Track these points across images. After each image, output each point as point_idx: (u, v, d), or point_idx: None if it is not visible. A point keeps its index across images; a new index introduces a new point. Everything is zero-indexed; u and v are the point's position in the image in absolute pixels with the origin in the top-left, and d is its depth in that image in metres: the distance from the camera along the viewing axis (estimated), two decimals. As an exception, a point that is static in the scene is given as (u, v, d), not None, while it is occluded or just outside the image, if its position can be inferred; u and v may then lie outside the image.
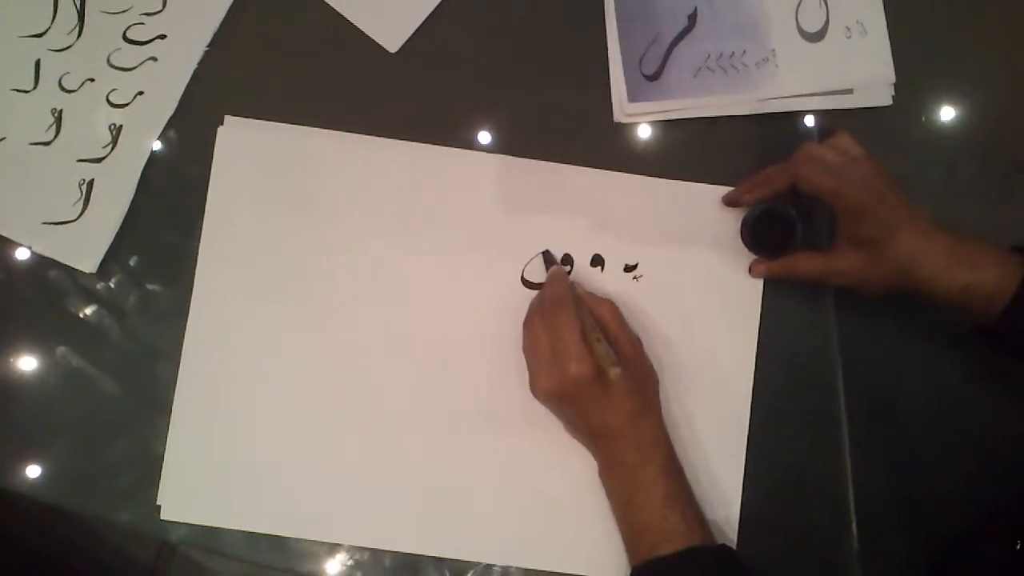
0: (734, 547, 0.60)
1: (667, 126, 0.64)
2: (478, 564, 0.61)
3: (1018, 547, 0.54)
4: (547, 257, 0.62)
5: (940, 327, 0.61)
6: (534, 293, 0.62)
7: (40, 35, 0.64)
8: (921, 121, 0.65)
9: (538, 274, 0.62)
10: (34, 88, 0.64)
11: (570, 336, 0.54)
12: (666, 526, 0.53)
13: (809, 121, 0.64)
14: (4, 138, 0.63)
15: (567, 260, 0.63)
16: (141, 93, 0.64)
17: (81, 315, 0.62)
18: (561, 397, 0.55)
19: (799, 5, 0.64)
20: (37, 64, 0.64)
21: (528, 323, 0.58)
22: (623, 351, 0.56)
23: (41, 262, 0.63)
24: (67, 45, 0.64)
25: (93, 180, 0.63)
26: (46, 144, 0.63)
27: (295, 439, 0.61)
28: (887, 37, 0.64)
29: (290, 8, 0.65)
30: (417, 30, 0.64)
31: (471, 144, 0.64)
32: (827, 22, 0.64)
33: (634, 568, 0.55)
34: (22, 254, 0.63)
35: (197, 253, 0.62)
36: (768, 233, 0.61)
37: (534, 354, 0.56)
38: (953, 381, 0.63)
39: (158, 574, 0.82)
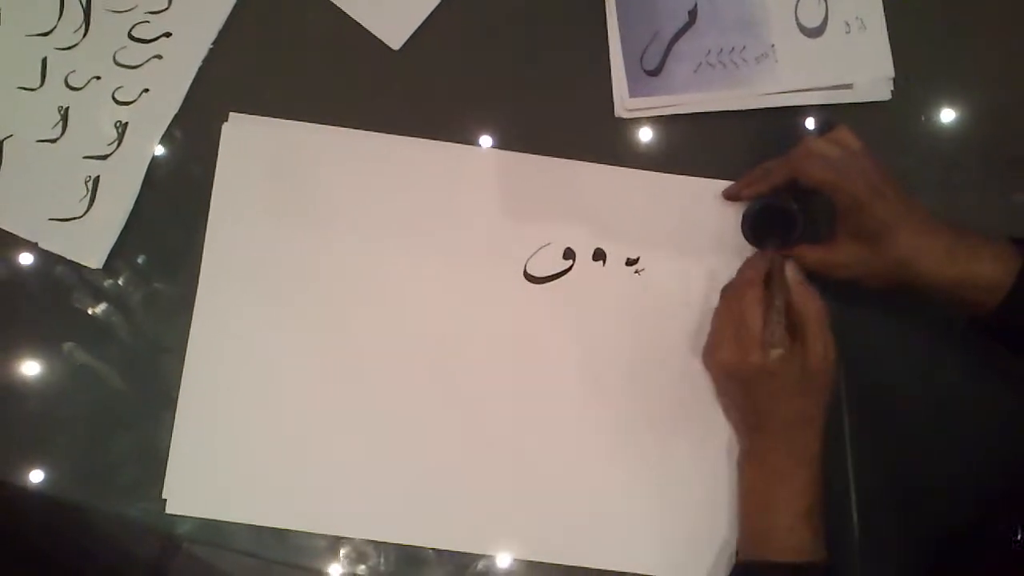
0: (735, 540, 0.60)
1: (668, 121, 0.64)
2: (482, 556, 0.61)
3: (1018, 538, 0.54)
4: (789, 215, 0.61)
5: (940, 321, 0.62)
6: (537, 287, 0.62)
7: (46, 34, 0.65)
8: (920, 116, 0.65)
9: (542, 268, 0.63)
10: (40, 86, 0.64)
11: (754, 321, 0.54)
12: (792, 538, 0.53)
13: (809, 116, 0.65)
14: (11, 135, 0.64)
15: (569, 254, 0.63)
16: (146, 90, 0.64)
17: (87, 311, 0.63)
18: (732, 376, 0.56)
19: (798, 1, 0.65)
20: (43, 62, 0.64)
21: (723, 293, 0.60)
22: (813, 349, 0.54)
23: (47, 258, 0.63)
24: (73, 43, 0.65)
25: (99, 177, 0.64)
26: (52, 141, 0.64)
27: (299, 433, 0.61)
28: (886, 32, 0.65)
29: (294, 6, 0.66)
30: (420, 27, 0.65)
31: (473, 140, 0.64)
32: (826, 17, 0.65)
33: (747, 563, 0.55)
34: (28, 250, 0.63)
35: (202, 249, 0.63)
36: (769, 227, 0.61)
37: (720, 325, 0.57)
38: (953, 375, 0.63)
39: (163, 570, 0.82)
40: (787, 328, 0.55)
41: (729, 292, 0.59)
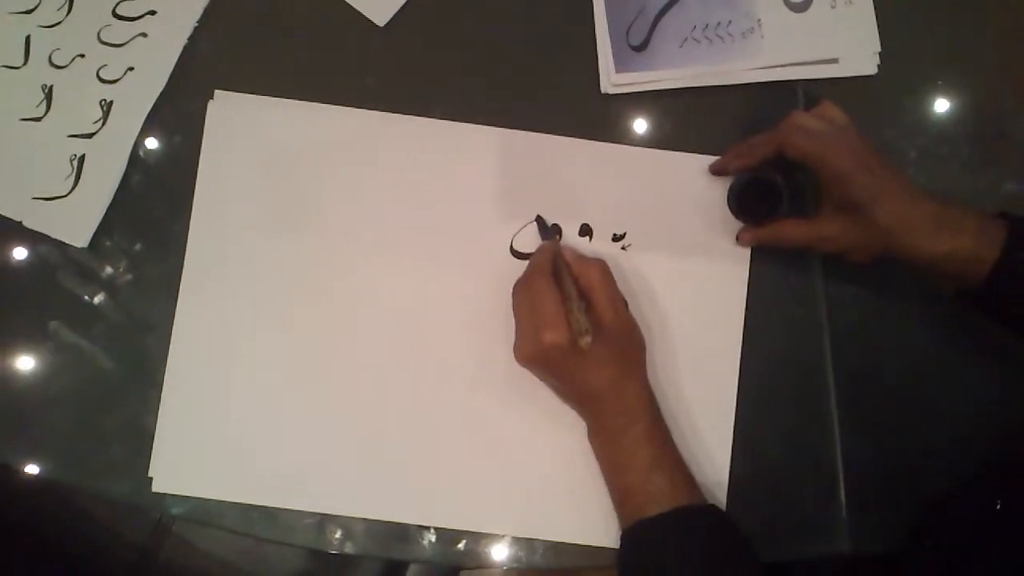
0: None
1: (654, 96, 0.64)
2: (470, 533, 0.61)
3: (998, 507, 0.55)
4: (539, 223, 0.63)
5: (926, 294, 0.62)
6: (523, 263, 0.62)
7: (30, 11, 0.64)
8: (906, 90, 0.65)
9: (528, 243, 0.63)
10: (24, 64, 0.64)
11: (547, 305, 0.55)
12: (651, 488, 0.54)
13: (795, 91, 0.65)
14: (-6, 114, 0.64)
15: (556, 230, 0.63)
16: (131, 69, 0.64)
17: (72, 290, 0.63)
18: (540, 363, 0.56)
19: (784, -25, 0.65)
20: (27, 40, 0.64)
21: (514, 290, 0.59)
22: (604, 316, 0.56)
23: (33, 237, 0.63)
24: (57, 21, 0.64)
25: (84, 155, 0.63)
26: (37, 120, 0.64)
27: (285, 411, 0.61)
28: (872, 6, 0.65)
29: (278, -17, 0.66)
30: (405, 4, 0.65)
31: (459, 116, 0.64)
32: (812, -8, 0.65)
33: (623, 531, 0.55)
34: (13, 229, 0.63)
35: (188, 227, 0.63)
36: (755, 201, 0.61)
37: (517, 321, 0.58)
38: (938, 348, 0.63)
39: (153, 550, 0.82)
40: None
41: (519, 287, 0.59)
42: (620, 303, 0.58)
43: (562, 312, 0.54)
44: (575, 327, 0.54)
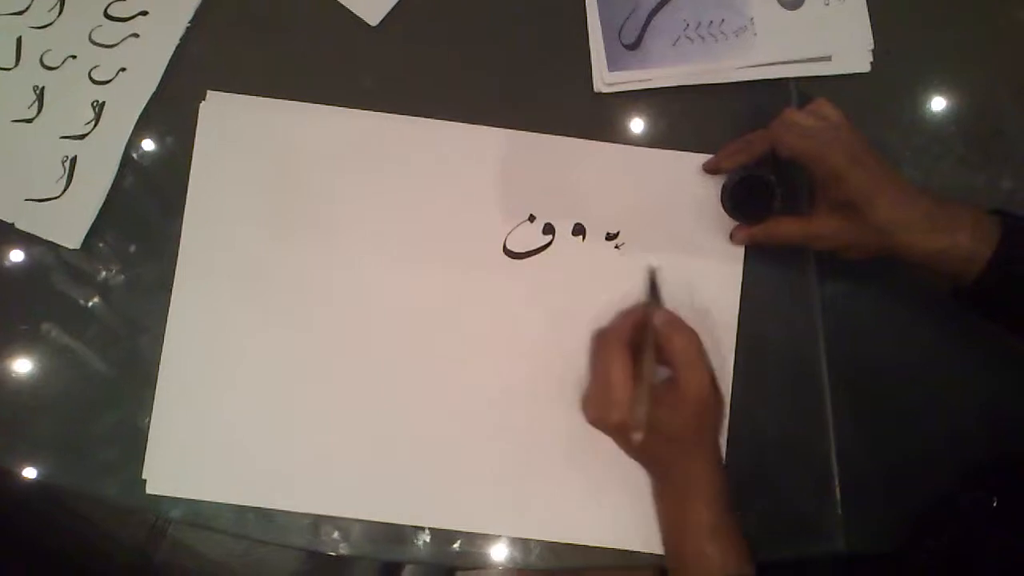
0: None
1: (647, 95, 0.64)
2: (465, 533, 0.61)
3: (994, 504, 0.54)
4: (650, 279, 0.58)
5: (921, 291, 0.62)
6: (517, 263, 0.62)
7: (21, 12, 0.64)
8: (900, 87, 0.65)
9: (520, 243, 0.63)
10: (16, 65, 0.64)
11: (617, 379, 0.53)
12: (704, 561, 0.53)
13: (788, 89, 0.64)
14: (-14, 116, 0.63)
15: (549, 230, 0.63)
16: (123, 70, 0.64)
17: (65, 292, 0.63)
18: (603, 431, 0.55)
19: (777, -27, 0.65)
20: (18, 41, 0.64)
21: (592, 338, 0.57)
22: (687, 389, 0.53)
23: (25, 239, 0.63)
24: (48, 22, 0.64)
25: (76, 157, 0.63)
26: (28, 121, 0.64)
27: (279, 412, 0.61)
28: (865, 3, 0.64)
29: (270, -17, 0.65)
30: (397, 3, 0.64)
31: (452, 116, 0.64)
32: (805, -11, 0.65)
33: None
34: (5, 231, 0.63)
35: (180, 228, 0.62)
36: (748, 199, 0.61)
37: (589, 374, 0.56)
38: (933, 345, 0.63)
39: (149, 552, 0.82)
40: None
41: (596, 339, 0.57)
42: (706, 376, 0.53)
43: (629, 391, 0.52)
44: (632, 416, 0.52)
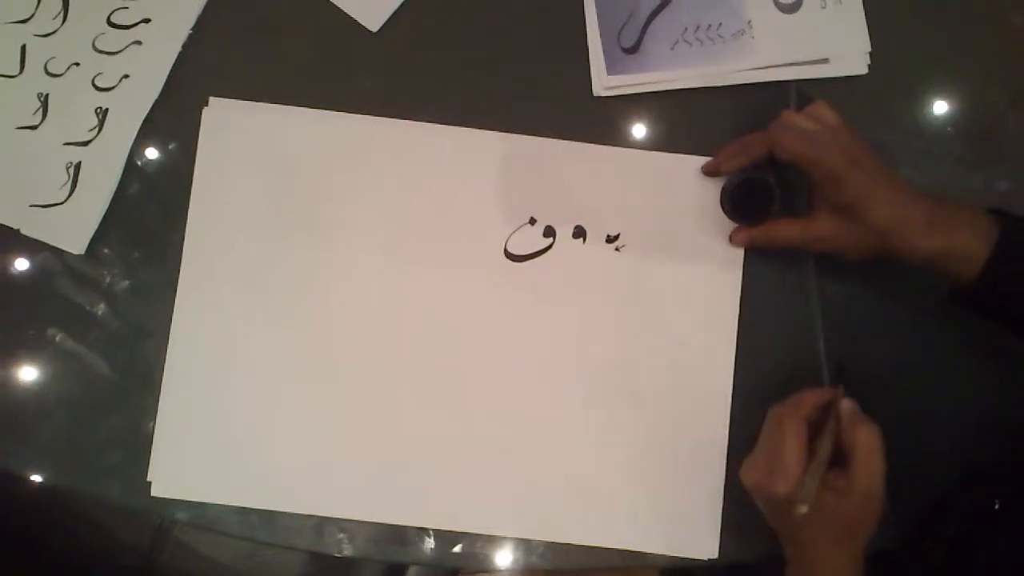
0: (719, 514, 0.61)
1: (646, 98, 0.64)
2: (468, 535, 0.61)
3: (996, 506, 0.55)
4: (837, 368, 0.60)
5: (921, 293, 0.62)
6: (518, 266, 0.63)
7: (25, 21, 0.65)
8: (897, 88, 0.65)
9: (522, 246, 0.63)
10: (20, 73, 0.64)
11: (791, 451, 0.52)
12: None
13: (786, 91, 0.65)
14: (-9, 123, 0.64)
15: (549, 232, 0.63)
16: (126, 76, 0.65)
17: (70, 296, 0.63)
18: (760, 500, 0.55)
19: (774, -23, 0.65)
20: (23, 49, 0.65)
21: (770, 412, 0.57)
22: (857, 483, 0.52)
23: (30, 245, 0.63)
24: (52, 30, 0.65)
25: (80, 163, 0.64)
26: (33, 128, 0.64)
27: (283, 414, 0.62)
28: (862, 6, 0.65)
29: (271, -10, 0.66)
30: (397, 8, 0.65)
31: (452, 120, 0.64)
32: (802, -7, 0.65)
33: None
34: (10, 237, 0.63)
35: (184, 233, 0.63)
36: (748, 201, 0.61)
37: (760, 443, 0.56)
38: (933, 346, 0.63)
39: (153, 556, 0.83)
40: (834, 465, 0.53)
41: (776, 410, 0.56)
42: (881, 475, 0.53)
43: (800, 467, 0.52)
44: (801, 491, 0.51)
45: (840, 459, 0.53)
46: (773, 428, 0.54)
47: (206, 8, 0.65)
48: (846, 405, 0.55)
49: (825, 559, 0.54)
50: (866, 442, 0.53)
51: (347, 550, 0.61)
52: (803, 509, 0.51)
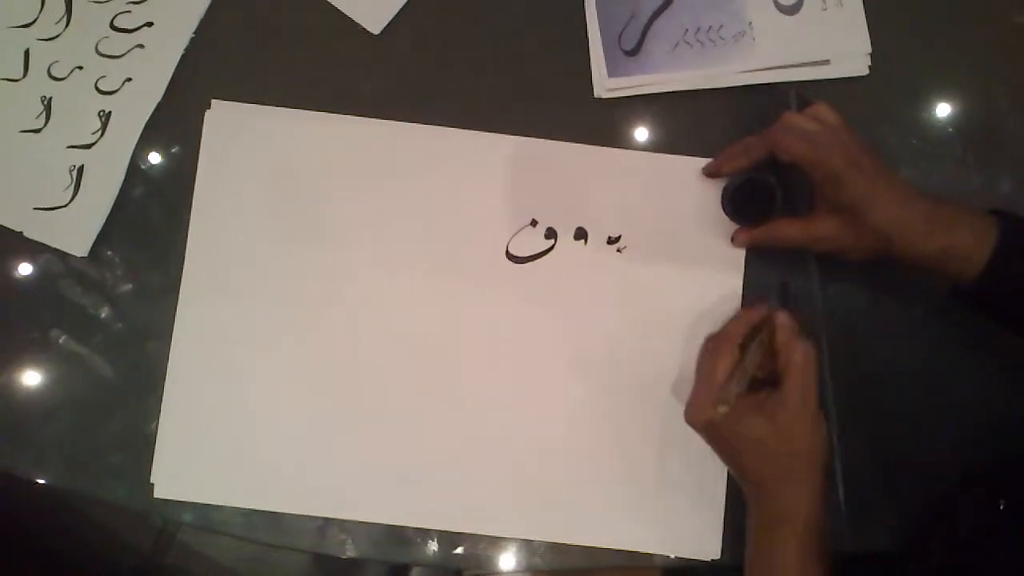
0: (722, 514, 0.61)
1: (647, 100, 0.65)
2: (471, 536, 0.61)
3: (1001, 506, 0.55)
4: (783, 289, 0.59)
5: (921, 293, 0.62)
6: (519, 268, 0.63)
7: (28, 25, 0.65)
8: (898, 90, 0.66)
9: (523, 247, 0.63)
10: (23, 77, 0.65)
11: (721, 374, 0.53)
12: None
13: (787, 93, 0.65)
14: (-5, 126, 0.64)
15: (551, 234, 0.63)
16: (129, 80, 0.65)
17: (73, 299, 0.63)
18: (698, 430, 0.55)
19: (775, -22, 0.65)
20: (26, 53, 0.65)
21: (703, 344, 0.57)
22: (788, 399, 0.52)
23: (33, 247, 0.64)
24: (55, 34, 0.65)
25: (83, 166, 0.64)
26: (36, 131, 0.64)
27: (286, 416, 0.62)
28: (862, 8, 0.65)
29: (273, -7, 0.66)
30: (399, 11, 0.65)
31: (454, 122, 0.64)
32: (803, -6, 0.65)
33: None
34: (14, 240, 0.64)
35: (187, 236, 0.63)
36: (749, 202, 0.61)
37: (695, 378, 0.56)
38: (935, 346, 0.63)
39: (157, 558, 0.83)
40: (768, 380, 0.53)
41: (707, 343, 0.57)
42: (812, 392, 0.53)
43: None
44: (722, 393, 0.51)
45: (776, 381, 0.53)
46: (705, 358, 0.55)
47: (208, 11, 0.66)
48: (782, 318, 0.54)
49: (774, 493, 0.53)
50: (799, 359, 0.52)
51: (350, 551, 0.62)
52: (723, 409, 0.50)
